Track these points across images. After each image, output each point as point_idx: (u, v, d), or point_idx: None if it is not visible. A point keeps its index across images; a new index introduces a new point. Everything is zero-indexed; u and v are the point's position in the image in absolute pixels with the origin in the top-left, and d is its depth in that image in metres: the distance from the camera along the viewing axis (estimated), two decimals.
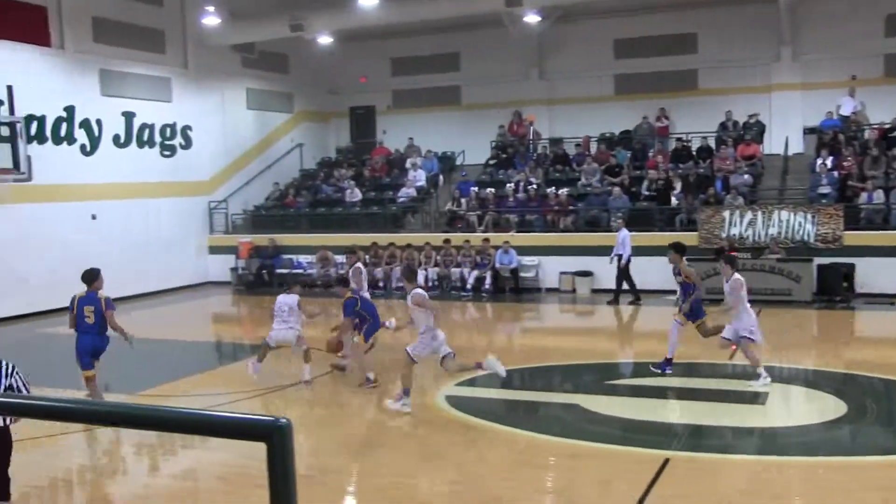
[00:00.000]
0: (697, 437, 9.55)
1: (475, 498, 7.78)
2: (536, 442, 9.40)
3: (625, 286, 19.46)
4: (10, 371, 7.14)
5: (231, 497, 8.04)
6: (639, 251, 19.37)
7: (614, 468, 8.52)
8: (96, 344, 11.00)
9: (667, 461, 8.41)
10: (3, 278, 18.81)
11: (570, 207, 22.19)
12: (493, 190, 23.70)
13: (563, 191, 22.58)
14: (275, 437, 2.15)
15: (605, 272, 20.21)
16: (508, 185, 23.73)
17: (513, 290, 21.47)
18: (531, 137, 26.77)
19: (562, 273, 21.45)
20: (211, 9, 23.75)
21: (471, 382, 12.36)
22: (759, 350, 11.84)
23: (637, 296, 19.44)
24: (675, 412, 10.98)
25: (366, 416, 11.23)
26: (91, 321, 10.88)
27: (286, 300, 12.65)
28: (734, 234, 19.87)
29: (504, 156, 26.15)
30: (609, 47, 26.94)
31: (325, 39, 26.78)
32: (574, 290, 21.19)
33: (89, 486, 8.90)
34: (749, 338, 11.45)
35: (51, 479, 8.84)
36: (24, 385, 7.21)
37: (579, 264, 21.19)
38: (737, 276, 11.68)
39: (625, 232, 19.53)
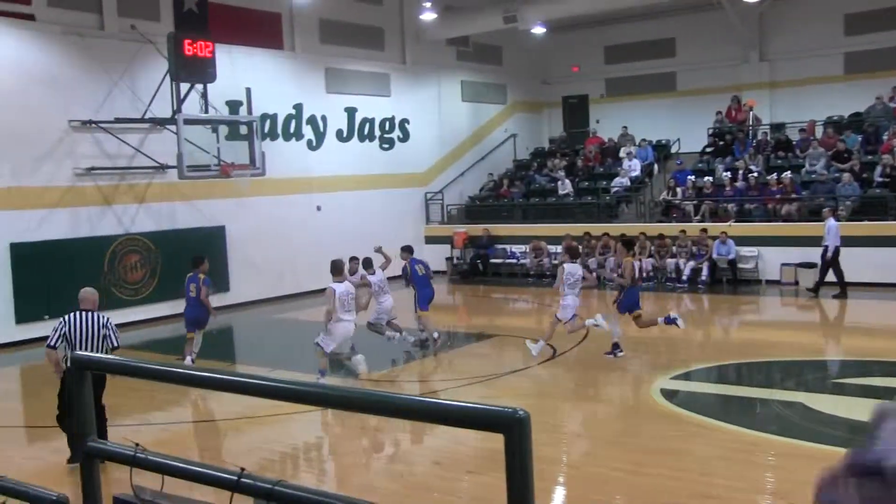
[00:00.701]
0: None
1: (691, 493, 7.62)
2: (755, 439, 9.05)
3: (831, 278, 18.26)
4: (105, 322, 9.05)
5: (444, 482, 8.30)
6: (865, 242, 18.17)
7: None
8: (197, 314, 13.73)
9: None
10: (240, 266, 20.31)
11: (794, 195, 21.06)
12: (710, 178, 22.89)
13: (787, 174, 21.47)
14: (514, 428, 2.17)
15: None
16: (726, 173, 22.85)
17: (730, 281, 20.69)
18: (751, 123, 25.59)
19: (783, 264, 20.42)
20: (428, 4, 24.40)
21: (686, 376, 12.10)
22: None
23: (844, 289, 18.30)
24: None
25: (578, 407, 11.24)
26: (193, 295, 13.67)
27: (348, 289, 12.37)
28: None
29: (722, 143, 25.17)
30: (839, 22, 25.22)
31: (538, 30, 26.82)
32: (797, 283, 20.12)
33: (307, 462, 9.48)
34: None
35: (279, 454, 9.49)
36: (115, 336, 9.06)
37: (802, 255, 20.05)
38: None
39: (832, 221, 18.38)
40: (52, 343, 8.85)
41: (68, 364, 9.02)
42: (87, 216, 17.96)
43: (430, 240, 25.99)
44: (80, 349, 8.71)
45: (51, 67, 17.34)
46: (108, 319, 9.15)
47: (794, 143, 23.70)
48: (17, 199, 16.79)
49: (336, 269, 12.42)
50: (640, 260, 21.33)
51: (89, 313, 9.04)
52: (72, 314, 8.99)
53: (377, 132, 24.87)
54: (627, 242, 14.54)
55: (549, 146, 30.14)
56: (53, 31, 17.41)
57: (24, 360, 15.52)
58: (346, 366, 13.03)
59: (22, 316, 16.63)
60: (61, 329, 8.85)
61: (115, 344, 9.08)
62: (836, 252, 18.24)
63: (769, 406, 10.47)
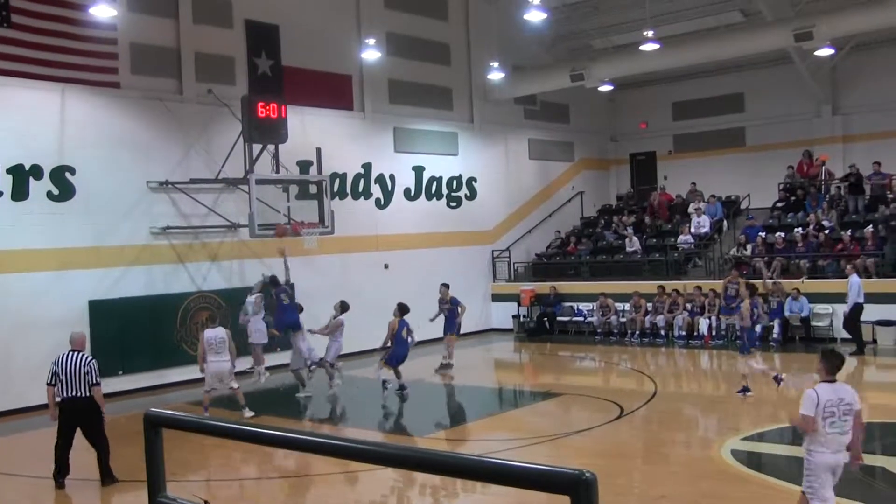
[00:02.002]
0: None
1: None
2: None
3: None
4: (88, 361, 10.55)
5: None
6: None
7: None
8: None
9: None
10: (308, 324, 20.47)
11: (872, 252, 20.52)
12: (782, 234, 22.49)
13: (868, 228, 20.98)
14: (580, 490, 2.15)
15: None
16: (798, 228, 22.42)
17: (803, 339, 20.15)
18: (823, 178, 25.15)
19: (860, 322, 19.83)
20: (495, 64, 24.75)
21: (758, 437, 11.77)
22: None
23: (861, 347, 18.49)
24: None
25: (647, 468, 11.00)
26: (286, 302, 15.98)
27: (217, 334, 14.03)
28: None
29: (793, 198, 24.76)
30: None
31: (605, 88, 26.95)
32: (874, 341, 19.51)
33: None
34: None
35: None
36: (96, 374, 10.50)
37: (880, 312, 19.47)
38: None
39: (855, 278, 18.47)
40: (49, 381, 10.53)
41: (61, 399, 10.46)
42: (162, 274, 18.43)
43: (497, 297, 25.97)
44: (68, 385, 10.43)
45: (132, 131, 18.00)
46: (90, 359, 10.60)
47: (866, 187, 23.22)
48: (98, 258, 17.33)
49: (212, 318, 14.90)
50: (709, 318, 21.02)
51: (76, 353, 10.53)
52: (62, 354, 10.52)
53: (445, 190, 25.10)
54: (751, 286, 15.11)
55: (616, 203, 30.02)
56: (136, 97, 18.11)
57: None
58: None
59: (98, 371, 16.97)
60: (52, 368, 10.50)
61: (95, 381, 10.57)
62: (858, 309, 18.37)
63: (847, 470, 10.09)
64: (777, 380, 14.36)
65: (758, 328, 15.89)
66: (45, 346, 16.41)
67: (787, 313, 20.18)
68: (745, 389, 14.34)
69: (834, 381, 7.31)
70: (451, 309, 19.01)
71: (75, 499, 10.29)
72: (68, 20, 16.90)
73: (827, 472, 7.21)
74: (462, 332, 24.56)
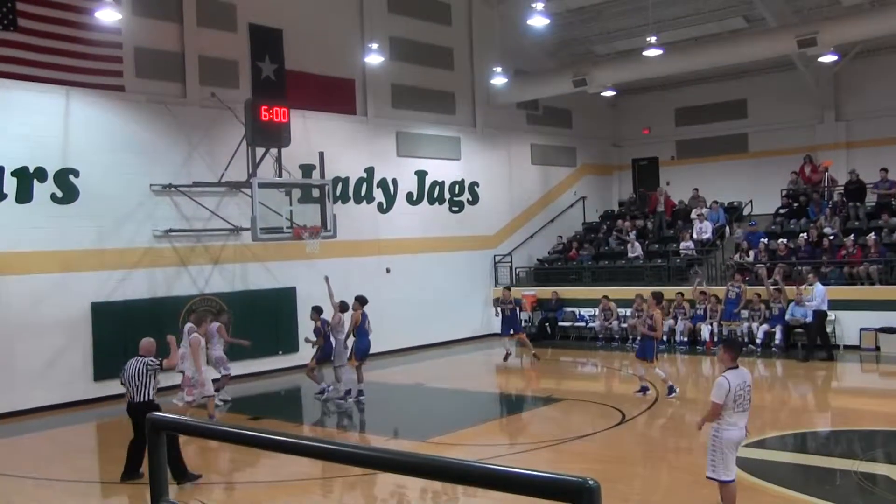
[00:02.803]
0: None
1: None
2: None
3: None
4: (145, 363, 10.64)
5: None
6: None
7: None
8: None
9: None
10: (310, 327, 20.45)
11: (875, 258, 20.49)
12: (784, 240, 22.48)
13: (871, 236, 20.97)
14: (584, 497, 2.15)
15: None
16: (802, 234, 22.41)
17: (805, 346, 20.08)
18: (826, 184, 25.14)
19: (863, 329, 19.83)
20: (498, 69, 24.76)
21: (760, 444, 11.75)
22: None
23: (830, 353, 18.97)
24: None
25: (649, 474, 11.00)
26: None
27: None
28: None
29: (796, 205, 24.76)
30: None
31: (607, 93, 26.96)
32: (877, 348, 19.50)
33: None
34: None
35: None
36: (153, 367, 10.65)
37: (884, 320, 19.48)
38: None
39: (820, 286, 18.96)
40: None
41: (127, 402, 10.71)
42: (164, 277, 18.45)
43: (499, 302, 25.93)
44: (129, 389, 10.78)
45: (136, 134, 18.04)
46: (147, 362, 10.75)
47: (870, 192, 23.20)
48: (101, 260, 17.36)
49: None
50: (710, 324, 20.96)
51: (140, 359, 10.79)
52: (131, 361, 10.88)
53: (447, 195, 25.12)
54: (659, 295, 15.83)
55: (618, 209, 30.03)
56: (140, 101, 18.14)
57: (100, 417, 15.86)
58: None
59: (100, 373, 17.05)
60: (121, 372, 10.98)
61: (157, 366, 10.77)
62: (822, 316, 18.92)
63: (850, 478, 10.09)
64: (669, 389, 15.07)
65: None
66: (47, 348, 16.50)
67: (788, 317, 20.09)
68: (643, 389, 15.27)
69: (737, 366, 8.30)
70: (513, 309, 20.07)
71: (79, 501, 10.29)
72: (74, 24, 16.95)
73: (732, 447, 8.16)
74: (464, 336, 24.71)
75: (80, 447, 14.12)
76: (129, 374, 10.71)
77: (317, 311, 16.53)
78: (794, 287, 20.09)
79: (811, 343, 19.30)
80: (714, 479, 8.17)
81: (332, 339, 16.28)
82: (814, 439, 12.55)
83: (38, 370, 16.40)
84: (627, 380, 18.31)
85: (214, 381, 15.67)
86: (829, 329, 20.24)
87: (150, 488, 3.31)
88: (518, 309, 19.82)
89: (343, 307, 16.48)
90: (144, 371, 10.62)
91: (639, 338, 16.21)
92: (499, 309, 19.90)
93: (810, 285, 19.25)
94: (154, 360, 10.77)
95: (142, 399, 10.59)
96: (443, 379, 15.82)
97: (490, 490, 2.52)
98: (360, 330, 16.06)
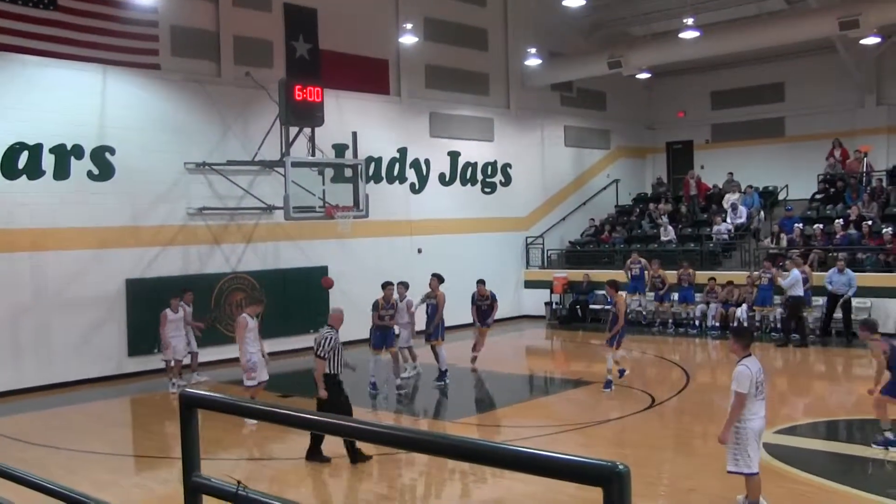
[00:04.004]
0: None
1: None
2: (866, 501, 8.64)
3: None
4: (323, 334, 10.66)
5: None
6: None
7: None
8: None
9: None
10: (339, 304, 20.55)
11: None
12: (820, 226, 22.18)
13: None
14: (613, 482, 2.13)
15: None
16: (838, 220, 22.10)
17: (840, 333, 19.81)
18: (865, 169, 24.75)
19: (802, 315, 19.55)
20: (533, 50, 24.59)
21: (791, 431, 11.66)
22: None
23: (804, 339, 19.10)
24: None
25: (677, 459, 10.96)
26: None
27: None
28: None
29: (833, 190, 24.42)
30: None
31: (642, 75, 26.70)
32: None
33: None
34: None
35: (375, 495, 9.55)
36: (321, 346, 10.55)
37: None
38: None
39: (797, 272, 19.08)
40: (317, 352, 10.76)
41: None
42: (198, 254, 18.62)
43: (530, 284, 25.92)
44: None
45: (171, 112, 18.19)
46: (325, 333, 10.79)
47: None
48: (136, 237, 17.57)
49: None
50: (744, 308, 20.75)
51: (329, 329, 10.86)
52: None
53: (479, 176, 25.07)
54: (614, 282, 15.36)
55: (651, 192, 29.80)
56: (175, 79, 18.27)
57: (135, 392, 16.10)
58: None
59: (134, 349, 17.30)
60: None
61: (318, 353, 10.63)
62: (798, 302, 19.04)
63: (883, 467, 9.99)
64: (620, 372, 15.01)
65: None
66: (83, 323, 16.76)
67: (828, 286, 19.60)
68: (609, 383, 14.53)
69: (750, 354, 8.15)
70: (490, 305, 17.51)
71: (112, 474, 10.47)
72: (110, 2, 17.07)
73: (756, 438, 7.96)
74: (495, 318, 24.69)
75: (114, 421, 14.35)
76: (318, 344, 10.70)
77: (404, 286, 16.21)
78: (775, 270, 19.92)
79: (785, 329, 19.51)
80: (736, 473, 8.01)
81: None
82: (846, 427, 12.42)
83: (74, 345, 16.66)
84: (657, 364, 18.25)
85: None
86: (863, 317, 20.00)
87: (182, 462, 3.36)
88: (493, 305, 17.33)
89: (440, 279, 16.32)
90: (331, 343, 10.59)
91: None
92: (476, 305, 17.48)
93: (786, 270, 19.40)
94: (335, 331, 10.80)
95: (329, 371, 10.61)
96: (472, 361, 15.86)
97: (518, 472, 2.52)
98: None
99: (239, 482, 3.13)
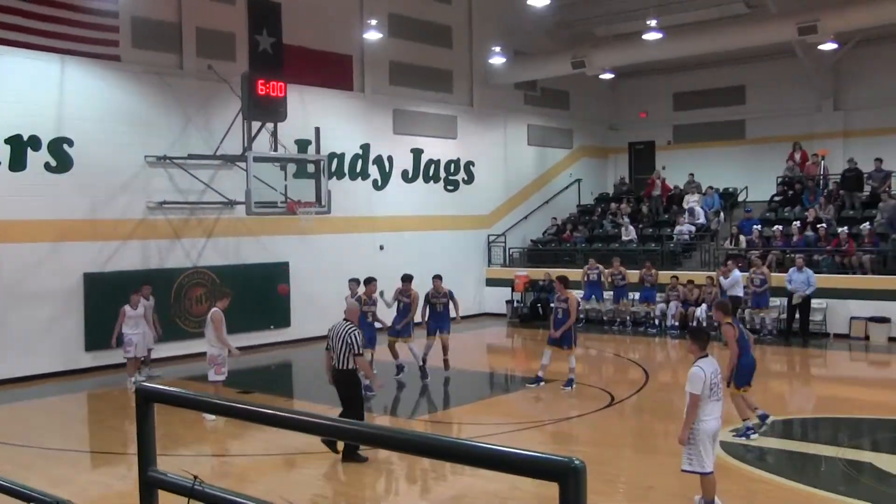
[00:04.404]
0: None
1: None
2: (819, 499, 8.79)
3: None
4: (350, 331, 10.30)
5: None
6: None
7: None
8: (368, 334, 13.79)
9: None
10: (302, 302, 20.51)
11: (868, 248, 20.52)
12: (780, 227, 22.51)
13: (866, 225, 21.00)
14: (569, 478, 2.16)
15: None
16: (795, 222, 22.45)
17: (796, 334, 20.09)
18: (822, 173, 25.16)
19: (853, 318, 19.92)
20: (497, 49, 24.64)
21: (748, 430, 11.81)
22: None
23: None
24: None
25: (636, 457, 11.06)
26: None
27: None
28: None
29: (791, 192, 24.79)
30: None
31: (606, 76, 26.87)
32: (867, 338, 19.60)
33: (358, 501, 9.49)
34: None
35: (333, 491, 9.52)
36: (357, 344, 10.23)
37: (875, 309, 19.57)
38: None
39: (737, 273, 19.67)
40: (326, 345, 10.66)
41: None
42: (158, 249, 18.42)
43: (491, 282, 26.00)
44: (334, 352, 10.42)
45: (132, 105, 17.96)
46: (353, 330, 10.36)
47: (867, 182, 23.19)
48: (94, 231, 17.32)
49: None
50: (703, 308, 20.99)
51: (345, 323, 10.49)
52: (337, 323, 10.60)
53: (442, 174, 25.08)
54: (563, 278, 15.09)
55: (614, 192, 30.02)
56: (136, 71, 18.03)
57: (92, 387, 15.90)
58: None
59: (91, 344, 17.06)
60: (328, 335, 10.61)
61: (357, 351, 10.29)
62: (735, 302, 18.92)
63: (836, 465, 10.17)
64: (537, 379, 14.76)
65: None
66: (39, 317, 16.50)
67: (788, 286, 19.88)
68: (570, 382, 14.45)
69: (707, 355, 8.20)
70: (446, 304, 16.13)
71: (69, 469, 10.32)
72: None
73: (710, 439, 8.00)
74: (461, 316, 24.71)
75: (71, 416, 14.15)
76: (332, 339, 10.41)
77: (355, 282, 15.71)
78: (766, 269, 20.27)
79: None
80: (690, 472, 8.06)
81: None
82: (800, 426, 12.62)
83: (31, 339, 16.40)
84: (616, 363, 18.40)
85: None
86: (818, 318, 20.36)
87: (138, 458, 3.32)
88: (451, 303, 15.95)
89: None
90: (343, 335, 10.30)
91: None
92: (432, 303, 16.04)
93: (729, 271, 19.86)
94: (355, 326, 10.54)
95: (342, 366, 10.36)
96: (433, 358, 15.84)
97: (476, 468, 2.53)
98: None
99: (195, 477, 3.10)
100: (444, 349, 15.91)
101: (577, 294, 23.65)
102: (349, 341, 10.22)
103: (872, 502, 8.67)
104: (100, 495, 9.28)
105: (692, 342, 8.38)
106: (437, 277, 16.36)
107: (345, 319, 10.60)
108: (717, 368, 8.18)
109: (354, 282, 15.61)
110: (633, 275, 22.45)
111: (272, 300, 19.47)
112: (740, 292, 19.68)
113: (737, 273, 19.71)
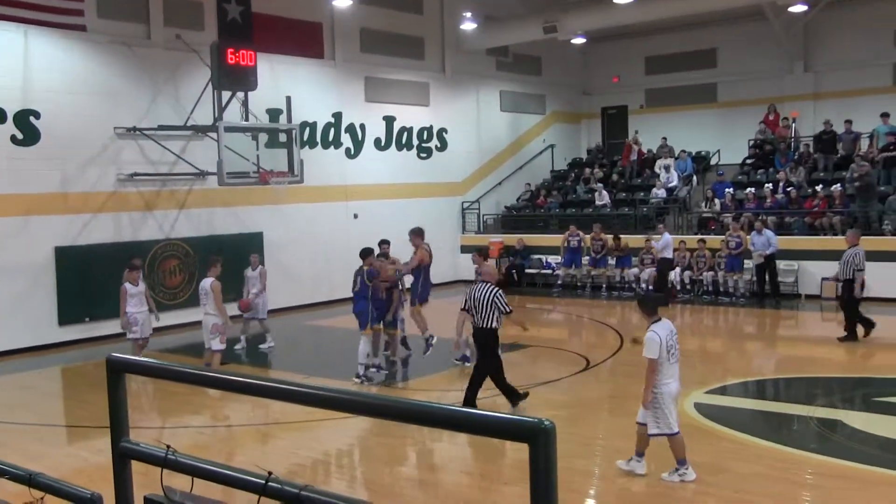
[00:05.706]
0: None
1: None
2: (792, 457, 8.94)
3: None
4: (496, 293, 10.83)
5: (474, 490, 8.32)
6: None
7: (875, 492, 7.94)
8: (359, 307, 13.35)
9: None
10: (276, 273, 20.36)
11: (839, 209, 20.73)
12: (752, 190, 22.66)
13: (836, 187, 21.18)
14: (539, 438, 2.18)
15: (876, 280, 18.63)
16: (767, 185, 22.60)
17: (768, 295, 20.32)
18: (793, 135, 25.31)
19: (824, 279, 20.12)
20: (468, 14, 24.48)
21: (721, 391, 11.99)
22: None
23: (666, 300, 19.34)
24: None
25: (612, 419, 11.18)
26: (356, 288, 13.45)
27: (203, 284, 13.70)
28: None
29: (761, 153, 24.93)
30: (887, 33, 24.86)
31: (578, 40, 26.79)
32: (838, 298, 19.80)
33: (337, 469, 9.54)
34: None
35: (310, 460, 9.56)
36: (503, 303, 10.76)
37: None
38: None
39: (667, 236, 20.48)
40: (462, 306, 11.19)
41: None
42: (129, 221, 18.26)
43: (466, 249, 25.96)
44: (476, 315, 10.96)
45: (99, 76, 17.69)
46: (496, 291, 10.87)
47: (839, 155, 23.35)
48: (64, 204, 17.13)
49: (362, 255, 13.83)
50: (680, 272, 21.14)
51: (485, 284, 10.91)
52: (475, 286, 11.07)
53: (415, 141, 24.99)
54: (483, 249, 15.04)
55: (586, 157, 30.06)
56: (102, 41, 17.75)
57: (65, 362, 15.80)
58: None
59: (64, 318, 16.94)
60: (466, 296, 11.12)
61: (506, 310, 10.93)
62: (666, 264, 20.47)
63: (807, 423, 10.34)
64: (464, 357, 13.88)
65: None
66: (11, 292, 16.34)
67: (751, 248, 20.09)
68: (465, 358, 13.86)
69: (660, 318, 8.25)
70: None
71: (42, 445, 10.29)
72: None
73: (672, 401, 8.15)
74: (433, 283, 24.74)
75: (45, 391, 14.07)
76: (475, 301, 10.89)
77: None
78: (742, 232, 20.58)
79: (656, 289, 20.30)
80: (659, 435, 8.16)
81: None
82: (773, 386, 12.80)
83: (2, 314, 16.25)
84: (592, 327, 18.53)
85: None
86: (790, 279, 20.59)
87: (110, 428, 3.31)
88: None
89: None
90: (490, 297, 10.80)
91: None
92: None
93: (658, 234, 20.64)
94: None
95: (486, 325, 10.91)
96: (409, 325, 15.85)
97: (450, 431, 2.54)
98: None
99: (168, 446, 3.10)
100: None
101: (555, 260, 24.00)
102: (497, 303, 10.83)
103: (842, 458, 8.83)
104: (75, 469, 9.25)
105: (641, 310, 8.59)
106: (385, 242, 15.89)
107: (483, 281, 11.11)
108: (672, 330, 8.25)
109: (386, 243, 15.73)
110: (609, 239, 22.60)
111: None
112: (670, 254, 20.51)
113: (667, 236, 20.46)
